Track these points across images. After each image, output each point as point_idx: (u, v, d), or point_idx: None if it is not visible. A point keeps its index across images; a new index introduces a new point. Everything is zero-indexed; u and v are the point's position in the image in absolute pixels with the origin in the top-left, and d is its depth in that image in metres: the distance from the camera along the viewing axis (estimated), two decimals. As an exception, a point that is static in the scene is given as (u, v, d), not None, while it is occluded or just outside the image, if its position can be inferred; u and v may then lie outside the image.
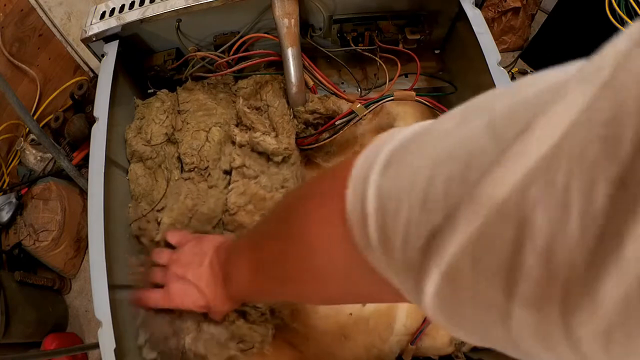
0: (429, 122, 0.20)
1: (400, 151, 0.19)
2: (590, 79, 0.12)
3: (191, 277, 0.44)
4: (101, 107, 0.54)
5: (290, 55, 0.55)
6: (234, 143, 0.59)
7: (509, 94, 0.16)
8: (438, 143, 0.17)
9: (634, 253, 0.10)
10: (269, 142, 0.56)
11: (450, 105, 0.62)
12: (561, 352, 0.13)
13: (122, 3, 0.60)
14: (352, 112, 0.57)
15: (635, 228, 0.10)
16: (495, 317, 0.15)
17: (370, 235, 0.20)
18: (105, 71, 0.56)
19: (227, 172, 0.60)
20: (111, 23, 0.58)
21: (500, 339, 0.15)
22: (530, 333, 0.14)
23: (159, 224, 0.57)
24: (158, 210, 0.57)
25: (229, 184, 0.59)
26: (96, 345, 0.45)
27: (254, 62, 0.63)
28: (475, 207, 0.14)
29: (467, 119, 0.17)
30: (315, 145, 0.61)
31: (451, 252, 0.15)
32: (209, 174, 0.58)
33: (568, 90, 0.13)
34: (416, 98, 0.57)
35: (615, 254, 0.11)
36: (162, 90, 0.63)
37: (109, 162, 0.53)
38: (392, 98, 0.56)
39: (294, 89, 0.58)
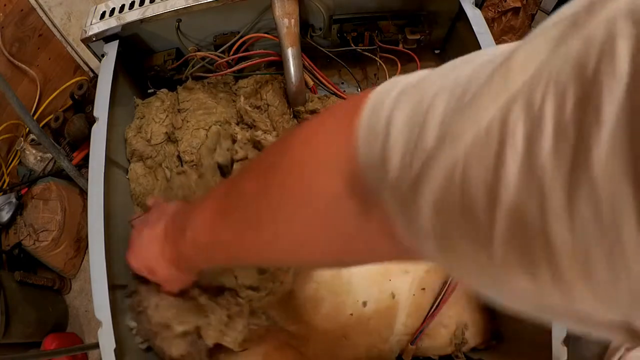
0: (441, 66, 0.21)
1: (416, 82, 0.21)
2: (563, 23, 0.14)
3: (145, 235, 0.43)
4: (101, 107, 0.54)
5: (290, 55, 0.55)
6: (234, 141, 0.59)
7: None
8: (447, 75, 0.19)
9: (600, 162, 0.11)
10: (271, 141, 0.56)
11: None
12: (543, 279, 0.14)
13: (122, 3, 0.60)
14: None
15: (598, 135, 0.11)
16: (480, 237, 0.15)
17: (376, 154, 0.20)
18: (105, 71, 0.56)
19: (221, 166, 0.60)
20: (111, 23, 0.58)
21: (483, 268, 0.16)
22: (513, 254, 0.14)
23: None
24: None
25: (221, 173, 0.59)
26: (96, 345, 0.45)
27: (254, 62, 0.63)
28: (465, 125, 0.15)
29: (475, 57, 0.19)
30: (315, 145, 0.61)
31: (442, 168, 0.16)
32: (201, 163, 0.58)
33: (546, 29, 0.15)
34: (416, 98, 0.57)
35: (584, 165, 0.12)
36: (162, 90, 0.63)
37: (109, 162, 0.53)
38: (392, 98, 0.56)
39: (294, 89, 0.58)
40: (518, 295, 0.16)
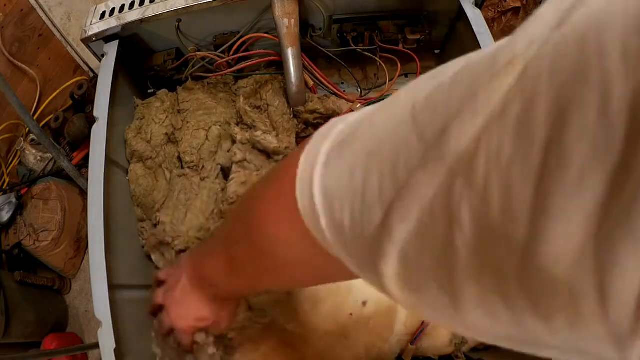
0: (364, 111, 0.21)
1: (338, 147, 0.20)
2: (500, 74, 0.13)
3: (178, 298, 0.45)
4: (101, 107, 0.54)
5: (290, 55, 0.55)
6: (234, 142, 0.59)
7: (430, 80, 0.17)
8: (370, 136, 0.18)
9: (553, 248, 0.11)
10: (270, 141, 0.56)
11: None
12: (503, 320, 0.14)
13: (122, 3, 0.60)
14: (352, 112, 0.57)
15: (553, 225, 0.11)
16: (444, 298, 0.15)
17: (324, 230, 0.20)
18: (105, 71, 0.56)
19: (223, 168, 0.60)
20: (111, 23, 0.58)
21: (448, 314, 0.16)
22: (476, 306, 0.15)
23: (156, 224, 0.58)
24: (157, 211, 0.57)
25: (223, 176, 0.59)
26: (96, 345, 0.45)
27: (254, 62, 0.63)
28: (407, 206, 0.15)
29: (394, 108, 0.18)
30: (315, 145, 0.61)
31: (395, 244, 0.16)
32: (203, 166, 0.58)
33: (479, 89, 0.13)
34: (416, 98, 0.57)
35: (534, 249, 0.11)
36: (162, 90, 0.63)
37: (109, 162, 0.53)
38: (392, 98, 0.56)
39: (294, 89, 0.58)
40: (478, 329, 0.16)
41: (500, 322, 0.14)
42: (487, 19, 1.07)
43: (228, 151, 0.60)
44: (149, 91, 0.66)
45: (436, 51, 0.73)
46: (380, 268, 0.17)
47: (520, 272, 0.12)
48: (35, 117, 1.14)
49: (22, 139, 1.23)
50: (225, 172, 0.60)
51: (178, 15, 0.59)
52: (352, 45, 0.65)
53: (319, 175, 0.20)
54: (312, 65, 0.61)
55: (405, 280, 0.17)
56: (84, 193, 1.25)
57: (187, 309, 0.44)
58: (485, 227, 0.13)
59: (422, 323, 0.56)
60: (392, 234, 0.16)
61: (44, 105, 1.30)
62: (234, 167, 0.57)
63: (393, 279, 0.17)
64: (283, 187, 0.24)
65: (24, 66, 1.20)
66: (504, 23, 1.51)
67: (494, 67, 0.13)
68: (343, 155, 0.19)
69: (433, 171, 0.14)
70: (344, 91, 0.62)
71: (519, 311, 0.13)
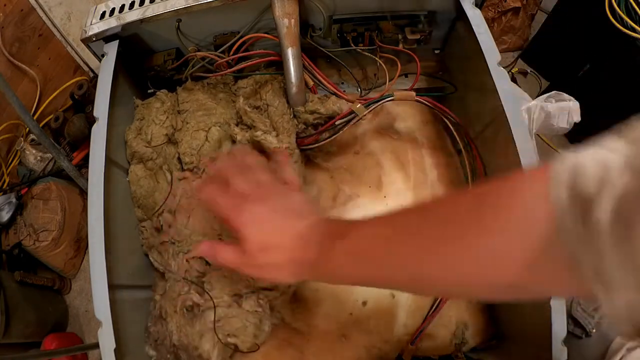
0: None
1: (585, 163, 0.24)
2: None
3: (287, 220, 0.37)
4: (101, 107, 0.54)
5: (290, 55, 0.55)
6: (234, 142, 0.59)
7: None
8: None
9: None
10: (270, 141, 0.56)
11: (450, 105, 0.62)
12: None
13: (122, 3, 0.60)
14: (352, 112, 0.57)
15: None
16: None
17: (564, 217, 0.23)
18: (105, 71, 0.56)
19: None
20: (111, 23, 0.58)
21: None
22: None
23: (158, 229, 0.57)
24: (159, 215, 0.57)
25: None
26: (96, 345, 0.45)
27: (254, 62, 0.63)
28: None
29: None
30: (316, 145, 0.61)
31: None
32: (203, 171, 0.58)
33: None
34: (416, 98, 0.57)
35: None
36: (162, 91, 0.63)
37: (109, 162, 0.53)
38: (392, 98, 0.56)
39: (294, 89, 0.58)
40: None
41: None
42: (487, 19, 1.07)
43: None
44: (149, 91, 0.66)
45: (436, 51, 0.73)
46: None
47: None
48: (35, 117, 1.14)
49: (22, 139, 1.23)
50: None
51: (178, 15, 0.59)
52: (352, 45, 0.65)
53: (571, 176, 0.24)
54: (312, 65, 0.61)
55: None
56: (84, 193, 1.25)
57: (274, 235, 0.36)
58: None
59: (422, 323, 0.56)
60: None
61: (44, 105, 1.30)
62: None
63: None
64: (537, 176, 0.26)
65: (24, 66, 1.20)
66: (504, 23, 1.51)
67: None
68: (590, 168, 0.23)
69: None
70: (344, 91, 0.62)
71: None
